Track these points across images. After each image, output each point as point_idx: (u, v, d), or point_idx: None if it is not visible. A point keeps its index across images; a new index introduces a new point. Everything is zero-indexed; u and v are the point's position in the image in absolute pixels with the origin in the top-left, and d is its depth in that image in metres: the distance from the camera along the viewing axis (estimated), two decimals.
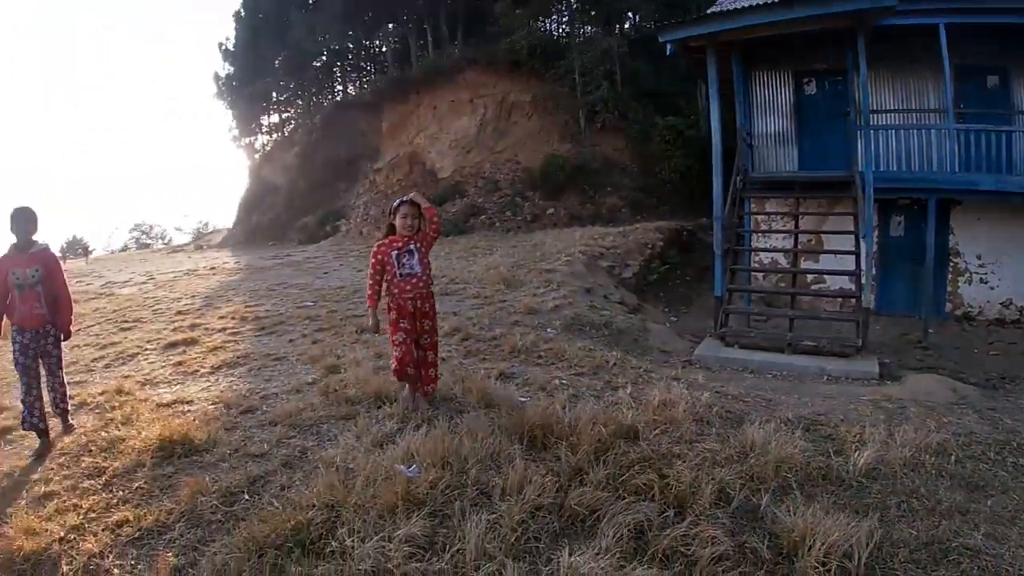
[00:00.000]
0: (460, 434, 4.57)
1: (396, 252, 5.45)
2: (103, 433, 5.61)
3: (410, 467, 4.10)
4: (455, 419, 5.12)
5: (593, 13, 30.09)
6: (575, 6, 29.59)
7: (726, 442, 4.60)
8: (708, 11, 12.17)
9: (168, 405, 6.31)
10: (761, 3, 10.45)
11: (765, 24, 10.29)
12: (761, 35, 10.81)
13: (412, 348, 5.43)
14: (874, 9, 9.63)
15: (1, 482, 4.98)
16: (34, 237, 5.71)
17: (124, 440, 5.32)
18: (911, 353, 10.30)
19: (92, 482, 4.70)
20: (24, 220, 5.63)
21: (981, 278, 12.85)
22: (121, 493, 4.44)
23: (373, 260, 5.52)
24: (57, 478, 4.89)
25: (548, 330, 8.97)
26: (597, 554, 3.19)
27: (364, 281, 13.49)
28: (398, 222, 5.48)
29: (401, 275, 5.44)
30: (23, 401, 5.53)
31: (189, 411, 6.06)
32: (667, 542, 3.32)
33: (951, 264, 13.00)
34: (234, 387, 6.77)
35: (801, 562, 3.23)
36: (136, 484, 4.52)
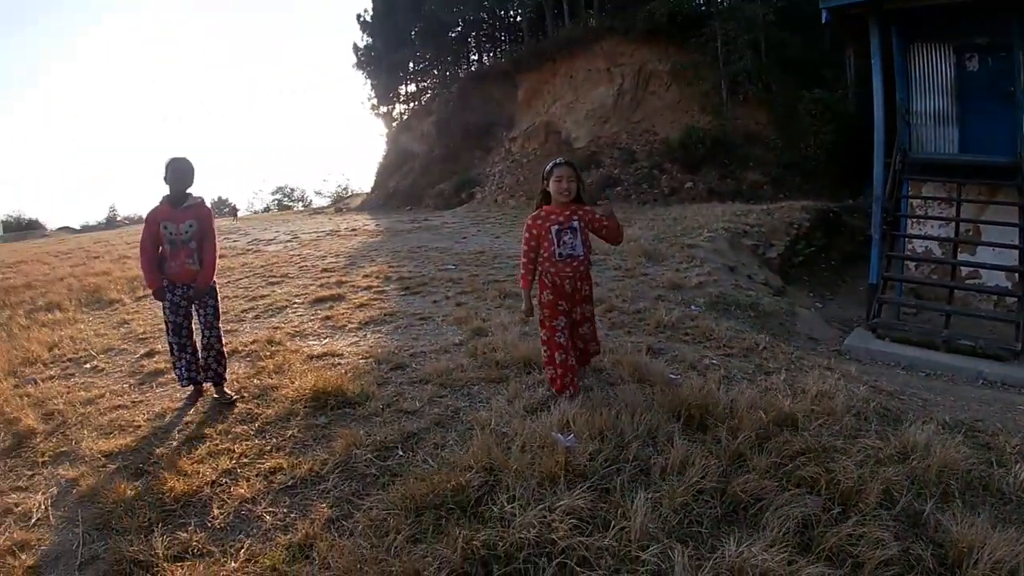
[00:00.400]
0: (617, 407, 4.45)
1: (556, 227, 4.71)
2: (255, 381, 5.85)
3: (567, 436, 4.00)
4: (608, 391, 5.01)
5: None
6: None
7: (886, 440, 4.44)
8: None
9: (319, 357, 6.50)
10: None
11: None
12: (924, 3, 10.00)
13: (571, 348, 4.89)
14: None
15: (152, 423, 5.26)
16: (188, 191, 5.49)
17: (276, 388, 5.54)
18: None
19: (244, 427, 4.88)
20: (182, 172, 5.40)
21: None
22: (274, 440, 4.59)
23: (527, 235, 4.81)
24: (209, 422, 5.13)
25: (692, 307, 8.88)
26: (767, 546, 3.08)
27: (502, 247, 13.96)
28: (552, 187, 4.74)
29: (560, 255, 4.74)
30: (175, 362, 5.55)
31: (339, 364, 6.20)
32: (834, 540, 3.20)
33: None
34: (382, 343, 6.89)
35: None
36: (289, 432, 4.67)
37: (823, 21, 10.89)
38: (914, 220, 12.50)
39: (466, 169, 35.34)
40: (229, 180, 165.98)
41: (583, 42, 31.31)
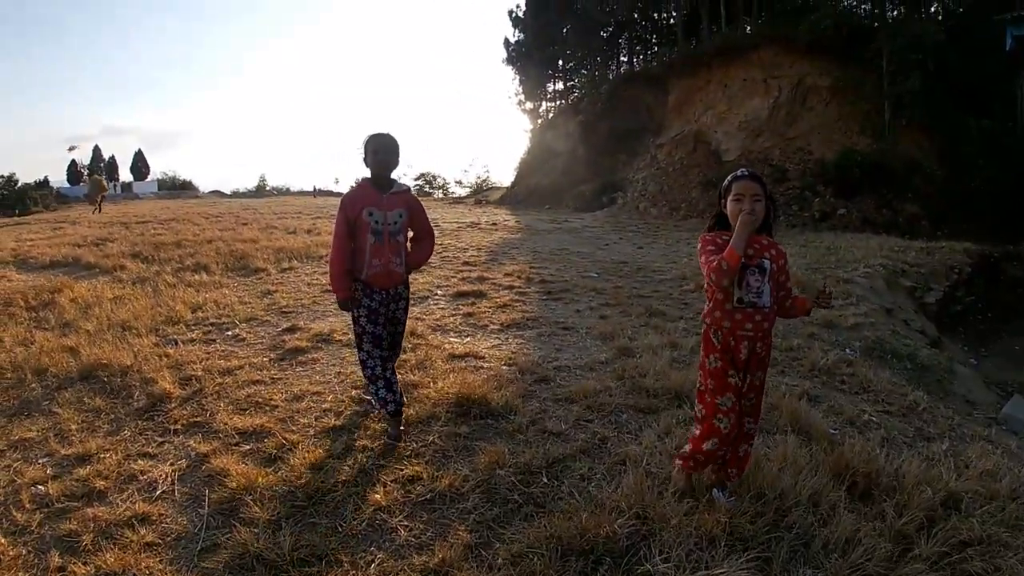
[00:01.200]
0: (779, 463, 4.18)
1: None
2: (399, 375, 5.41)
3: (728, 495, 3.74)
4: (767, 440, 4.74)
5: None
6: None
7: None
8: None
9: (460, 356, 6.42)
10: None
11: None
12: None
13: (731, 437, 3.53)
14: None
15: (291, 404, 5.20)
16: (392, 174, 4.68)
17: (418, 387, 5.41)
18: None
19: (383, 425, 4.68)
20: (389, 150, 4.57)
21: None
22: (414, 445, 4.43)
23: (703, 259, 3.43)
24: (348, 412, 5.02)
25: (847, 350, 8.46)
26: None
27: (646, 259, 13.86)
28: (730, 207, 3.40)
29: (738, 302, 3.40)
30: (375, 384, 4.58)
31: (482, 367, 6.09)
32: None
33: None
34: (525, 350, 6.73)
35: None
36: (430, 438, 4.51)
37: (1007, 47, 9.99)
38: None
39: (609, 172, 35.29)
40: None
41: (739, 49, 30.68)
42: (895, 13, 29.28)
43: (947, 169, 23.13)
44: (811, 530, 3.58)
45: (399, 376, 5.08)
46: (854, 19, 29.01)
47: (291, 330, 7.60)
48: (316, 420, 4.93)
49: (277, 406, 5.21)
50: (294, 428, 4.79)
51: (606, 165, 36.01)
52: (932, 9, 30.40)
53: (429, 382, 5.51)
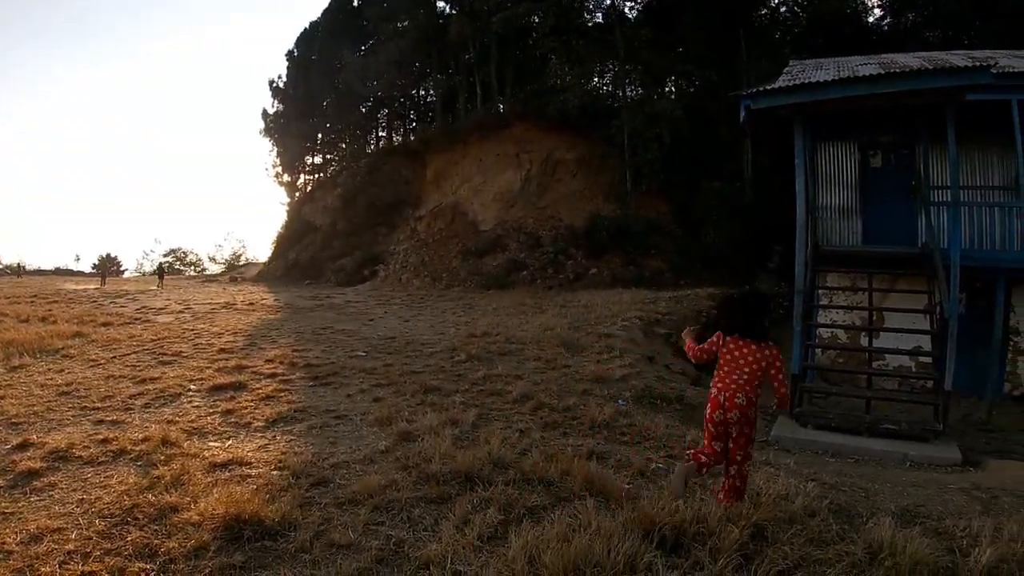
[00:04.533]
0: (588, 534, 3.92)
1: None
2: (150, 496, 4.74)
3: None
4: (568, 509, 4.50)
5: (641, 75, 30.09)
6: (627, 68, 29.60)
7: (852, 542, 4.30)
8: (786, 81, 12.14)
9: (223, 465, 5.57)
10: (861, 75, 10.53)
11: (864, 96, 10.09)
12: (842, 108, 10.54)
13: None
14: (972, 84, 9.53)
15: (28, 549, 4.03)
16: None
17: (178, 510, 4.49)
18: (976, 436, 10.00)
19: (143, 565, 3.80)
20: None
21: None
22: None
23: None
24: (97, 552, 3.99)
25: (619, 402, 8.69)
26: None
27: (413, 333, 13.64)
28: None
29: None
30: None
31: (249, 476, 5.31)
32: None
33: (1011, 343, 12.80)
34: (296, 448, 6.11)
35: None
36: None
37: (741, 120, 11.13)
38: (820, 308, 12.90)
39: (370, 245, 34.95)
40: (119, 236, 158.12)
41: (494, 126, 32.16)
42: (635, 93, 32.01)
43: (684, 227, 25.53)
44: None
45: (151, 496, 4.50)
46: (599, 99, 31.35)
47: (23, 447, 6.10)
48: (61, 567, 3.79)
49: (11, 552, 3.99)
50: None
51: (367, 238, 35.71)
52: (667, 89, 33.57)
53: (189, 503, 4.60)
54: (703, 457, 4.69)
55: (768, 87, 11.37)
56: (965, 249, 11.07)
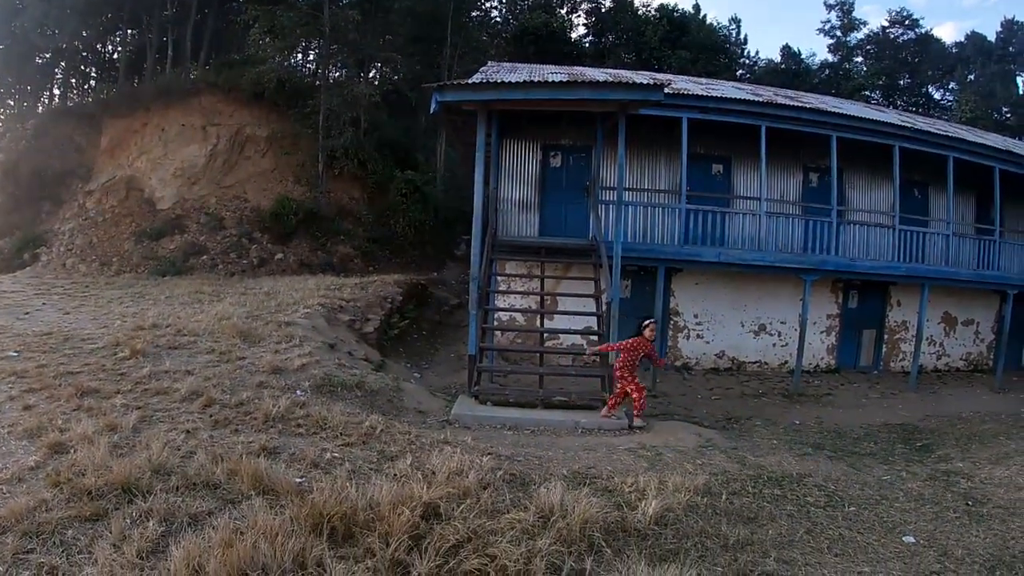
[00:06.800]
0: (253, 536, 3.78)
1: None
2: None
3: None
4: (233, 512, 4.30)
5: (345, 57, 29.62)
6: (332, 48, 28.81)
7: (525, 509, 4.50)
8: (479, 79, 12.96)
9: None
10: (547, 80, 11.45)
11: (546, 99, 10.73)
12: (525, 108, 11.21)
13: None
14: (645, 99, 10.65)
15: None
16: None
17: None
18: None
19: None
20: None
21: (698, 334, 15.26)
22: None
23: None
24: None
25: (298, 392, 8.26)
26: None
27: (75, 327, 12.04)
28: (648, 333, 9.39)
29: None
30: None
31: None
32: None
33: (671, 322, 15.07)
34: None
35: None
36: None
37: (431, 110, 11.32)
38: (499, 294, 13.80)
39: (32, 224, 29.87)
40: None
41: (181, 94, 28.84)
42: (337, 75, 31.17)
43: (376, 214, 25.40)
44: None
45: None
46: (297, 76, 30.19)
47: None
48: None
49: None
50: None
51: (28, 216, 30.37)
52: (372, 74, 33.25)
53: None
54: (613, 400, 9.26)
55: (457, 82, 11.83)
56: (628, 242, 12.41)
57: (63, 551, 3.95)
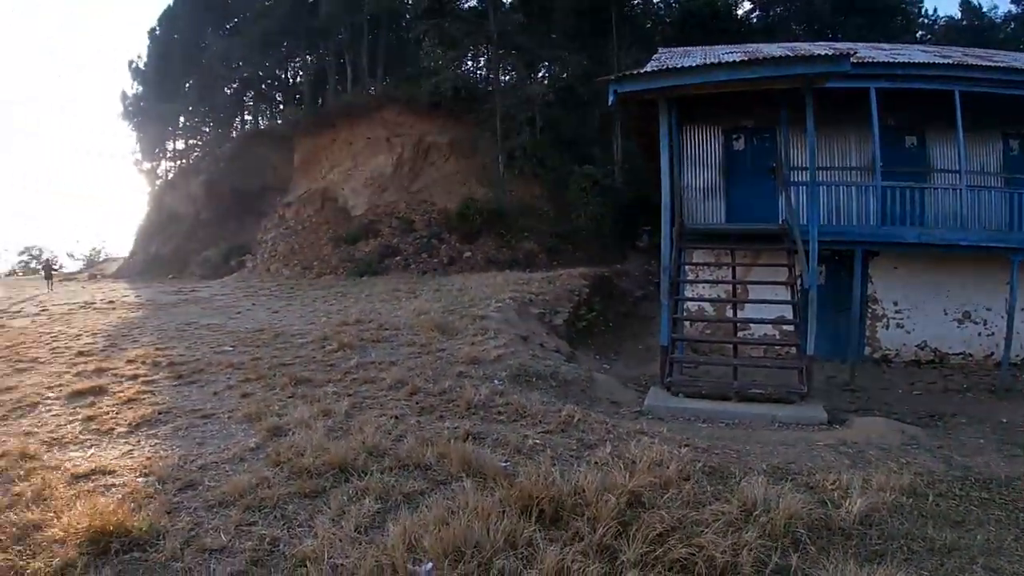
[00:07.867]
0: (466, 515, 3.98)
1: None
2: (12, 515, 4.40)
3: (425, 566, 3.49)
4: (445, 492, 4.55)
5: (514, 60, 30.34)
6: (500, 52, 29.66)
7: (727, 501, 4.49)
8: (654, 66, 12.60)
9: (86, 476, 5.21)
10: (724, 61, 10.95)
11: (726, 81, 10.34)
12: (706, 91, 10.89)
13: None
14: (831, 72, 9.95)
15: None
16: None
17: (41, 527, 4.21)
18: (841, 396, 10.71)
19: None
20: None
21: (898, 323, 13.97)
22: None
23: None
24: None
25: (495, 381, 8.59)
26: None
27: (283, 324, 13.17)
28: None
29: None
30: None
31: (114, 485, 5.01)
32: None
33: (870, 310, 13.93)
34: (162, 453, 5.79)
35: None
36: None
37: (609, 102, 11.34)
38: (688, 284, 13.44)
39: (236, 235, 33.52)
40: None
41: (364, 109, 31.34)
42: (508, 78, 32.19)
43: (557, 209, 25.89)
44: (520, 573, 3.40)
45: (12, 515, 4.21)
46: (471, 83, 31.44)
47: None
48: None
49: None
50: None
51: (233, 228, 34.18)
52: (542, 74, 34.00)
53: (52, 519, 4.30)
54: None
55: (634, 72, 11.59)
56: (823, 225, 11.69)
57: (284, 524, 4.29)
